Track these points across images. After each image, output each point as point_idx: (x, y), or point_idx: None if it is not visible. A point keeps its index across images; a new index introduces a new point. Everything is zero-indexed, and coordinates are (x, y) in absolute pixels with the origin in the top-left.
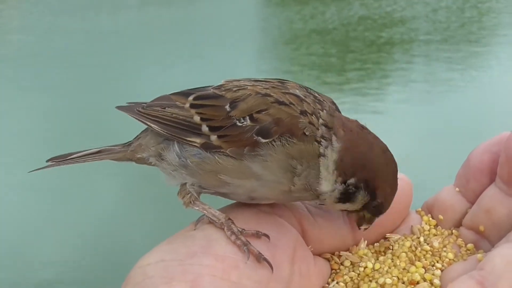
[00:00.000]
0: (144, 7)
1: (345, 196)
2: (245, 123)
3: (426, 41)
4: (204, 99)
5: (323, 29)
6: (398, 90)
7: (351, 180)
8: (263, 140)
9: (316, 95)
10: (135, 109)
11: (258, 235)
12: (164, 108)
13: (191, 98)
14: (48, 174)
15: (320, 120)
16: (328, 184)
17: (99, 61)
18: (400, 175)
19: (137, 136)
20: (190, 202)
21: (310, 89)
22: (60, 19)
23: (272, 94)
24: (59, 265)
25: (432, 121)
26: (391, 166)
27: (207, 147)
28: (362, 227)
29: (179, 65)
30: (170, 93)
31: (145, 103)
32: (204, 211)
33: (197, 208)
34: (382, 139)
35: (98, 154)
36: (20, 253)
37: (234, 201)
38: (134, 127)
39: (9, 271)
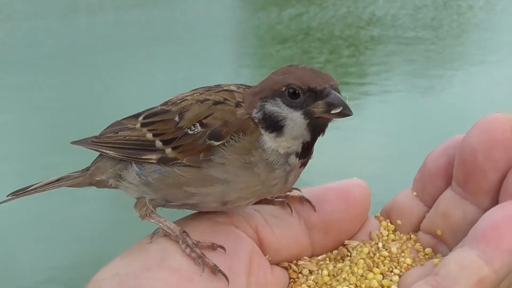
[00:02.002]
0: (123, 10)
1: (268, 121)
2: (196, 130)
3: (406, 39)
4: (153, 116)
5: (303, 30)
6: (376, 92)
7: (255, 110)
8: (216, 143)
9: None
10: (89, 141)
11: (213, 247)
12: (117, 133)
13: (141, 118)
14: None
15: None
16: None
17: (76, 67)
18: (357, 180)
19: (94, 160)
20: (146, 214)
21: (247, 84)
22: (36, 23)
23: (208, 97)
24: (47, 272)
25: (399, 127)
26: (285, 68)
27: (164, 161)
28: (334, 112)
29: (158, 69)
30: (121, 118)
31: (97, 135)
32: (160, 224)
33: (152, 220)
34: (353, 142)
35: (58, 182)
36: (7, 260)
37: (192, 213)
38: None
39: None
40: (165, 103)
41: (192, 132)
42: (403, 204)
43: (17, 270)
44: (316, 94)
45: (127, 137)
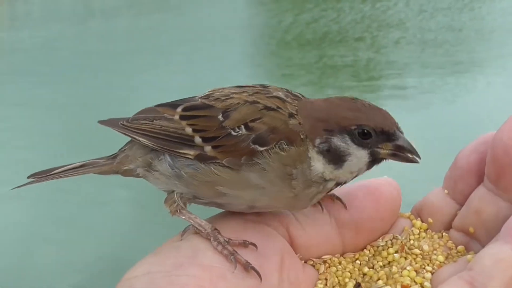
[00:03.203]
0: (139, 15)
1: (330, 154)
2: (240, 132)
3: (426, 41)
4: (194, 110)
5: (322, 34)
6: (392, 93)
7: (318, 140)
8: (261, 149)
9: (295, 93)
10: (119, 123)
11: (245, 244)
12: (152, 121)
13: (179, 109)
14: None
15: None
16: (317, 160)
17: (89, 72)
18: (388, 179)
19: (122, 148)
20: (177, 211)
21: (290, 90)
22: (52, 29)
23: (259, 100)
24: (72, 272)
25: (426, 125)
26: (349, 101)
27: (202, 158)
28: (403, 155)
29: (175, 73)
30: (155, 105)
31: (128, 118)
32: (190, 221)
33: (183, 217)
34: None
35: (82, 168)
36: (27, 260)
37: (222, 210)
38: (119, 141)
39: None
40: (206, 97)
41: (236, 134)
42: (434, 202)
43: (38, 269)
44: (387, 137)
45: (163, 127)
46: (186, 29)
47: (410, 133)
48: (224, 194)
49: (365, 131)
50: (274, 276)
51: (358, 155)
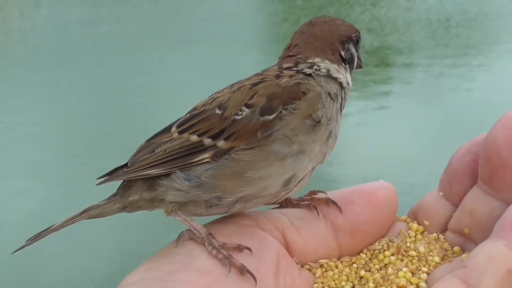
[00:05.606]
0: (148, 2)
1: (350, 58)
2: (243, 113)
3: (433, 24)
4: (188, 122)
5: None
6: (398, 99)
7: (343, 52)
8: (270, 117)
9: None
10: (118, 173)
11: (240, 248)
12: (153, 152)
13: (174, 128)
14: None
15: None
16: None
17: (106, 57)
18: (384, 183)
19: (121, 184)
20: (172, 211)
21: None
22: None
23: (241, 85)
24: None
25: (425, 128)
26: (333, 18)
27: (220, 154)
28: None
29: (190, 60)
30: (145, 141)
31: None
32: (186, 223)
33: (178, 218)
34: (380, 145)
35: (83, 213)
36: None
37: (221, 216)
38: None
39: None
40: (192, 110)
41: (240, 117)
42: (429, 205)
43: (46, 272)
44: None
45: (168, 150)
46: (200, 13)
47: (415, 126)
48: (253, 180)
49: (358, 37)
50: (270, 279)
51: (357, 56)
